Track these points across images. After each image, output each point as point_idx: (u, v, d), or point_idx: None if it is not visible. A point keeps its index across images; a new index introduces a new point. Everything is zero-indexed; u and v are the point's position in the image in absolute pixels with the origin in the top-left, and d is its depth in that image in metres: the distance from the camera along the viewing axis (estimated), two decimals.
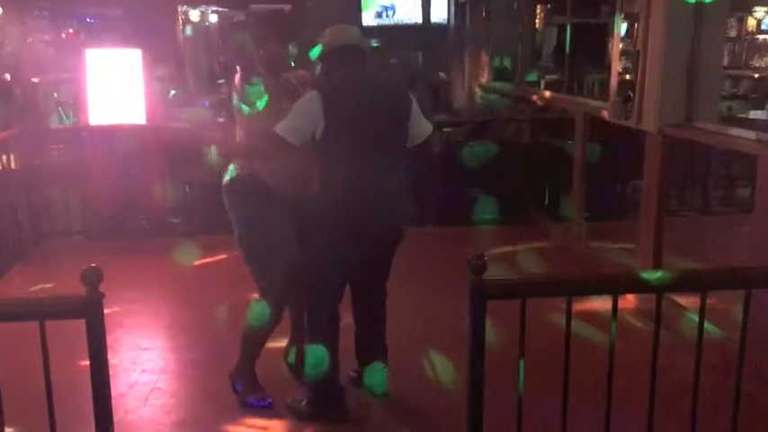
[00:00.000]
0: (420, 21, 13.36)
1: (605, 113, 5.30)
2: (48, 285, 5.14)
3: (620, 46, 5.22)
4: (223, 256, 5.73)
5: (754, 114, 7.26)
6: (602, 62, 9.10)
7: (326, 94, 3.34)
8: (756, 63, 12.26)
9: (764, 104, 8.19)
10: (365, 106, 3.42)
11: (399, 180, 3.51)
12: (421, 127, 3.62)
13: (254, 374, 3.71)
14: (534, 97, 7.57)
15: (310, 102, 3.33)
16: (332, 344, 3.53)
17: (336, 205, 3.38)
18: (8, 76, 8.18)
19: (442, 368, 3.97)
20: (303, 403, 3.58)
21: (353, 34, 3.56)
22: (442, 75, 11.73)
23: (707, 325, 2.44)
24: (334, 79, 3.48)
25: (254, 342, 3.66)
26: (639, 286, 2.64)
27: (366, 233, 3.43)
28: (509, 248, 5.97)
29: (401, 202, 3.54)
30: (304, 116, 3.33)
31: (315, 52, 3.55)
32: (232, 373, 3.74)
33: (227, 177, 3.63)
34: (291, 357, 3.95)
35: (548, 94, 7.21)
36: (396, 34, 12.97)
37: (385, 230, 3.53)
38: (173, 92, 8.85)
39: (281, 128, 3.32)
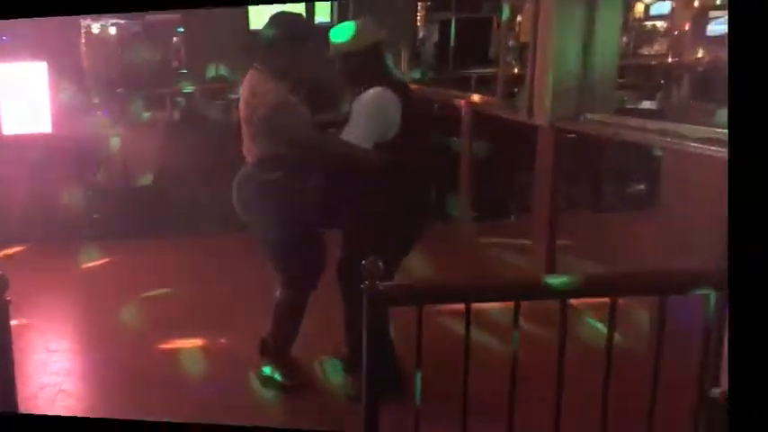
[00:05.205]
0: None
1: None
2: None
3: (507, 39, 5.06)
4: (132, 259, 5.84)
5: (645, 105, 7.17)
6: (486, 56, 9.01)
7: (400, 95, 3.21)
8: (645, 51, 11.24)
9: (655, 95, 8.11)
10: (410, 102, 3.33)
11: None
12: None
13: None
14: (462, 102, 6.14)
15: (387, 103, 3.18)
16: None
17: (415, 201, 3.39)
18: None
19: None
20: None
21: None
22: None
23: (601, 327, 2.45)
24: (393, 78, 3.34)
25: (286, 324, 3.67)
26: (543, 292, 2.38)
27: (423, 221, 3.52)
28: None
29: None
30: (383, 119, 3.18)
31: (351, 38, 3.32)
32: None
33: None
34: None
35: (476, 97, 6.00)
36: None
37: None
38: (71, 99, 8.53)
39: (353, 136, 3.18)
